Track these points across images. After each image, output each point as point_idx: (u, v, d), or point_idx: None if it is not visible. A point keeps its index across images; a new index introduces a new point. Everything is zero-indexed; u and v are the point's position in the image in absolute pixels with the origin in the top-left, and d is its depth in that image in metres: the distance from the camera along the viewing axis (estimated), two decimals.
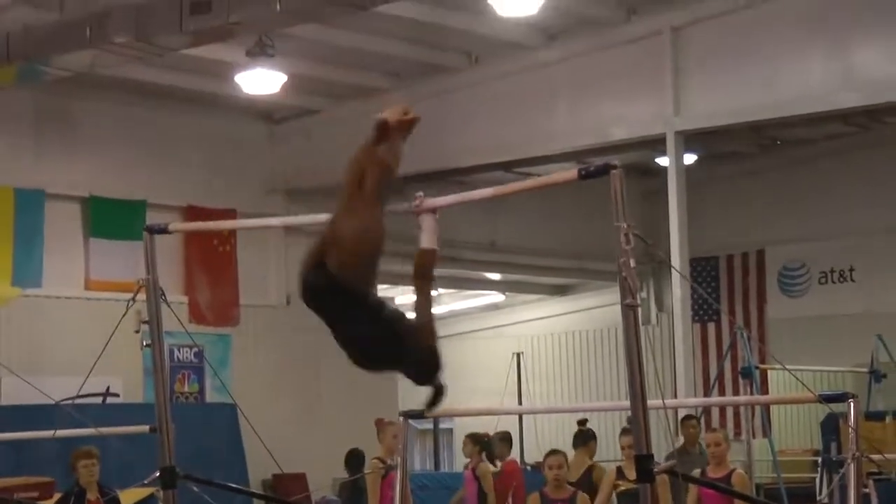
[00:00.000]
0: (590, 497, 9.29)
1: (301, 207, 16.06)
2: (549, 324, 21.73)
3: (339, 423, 15.67)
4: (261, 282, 16.43)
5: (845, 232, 17.45)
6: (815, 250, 18.01)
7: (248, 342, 16.23)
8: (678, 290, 13.30)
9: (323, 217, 5.30)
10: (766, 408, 13.65)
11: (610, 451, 13.04)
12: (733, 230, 18.42)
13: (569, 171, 5.13)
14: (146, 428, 7.63)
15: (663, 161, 14.20)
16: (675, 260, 12.73)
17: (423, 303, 5.11)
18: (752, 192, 18.43)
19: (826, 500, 12.16)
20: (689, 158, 14.85)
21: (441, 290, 19.60)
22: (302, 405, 16.31)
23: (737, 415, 17.64)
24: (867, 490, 6.56)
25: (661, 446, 8.75)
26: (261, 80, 14.14)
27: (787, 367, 9.53)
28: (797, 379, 7.38)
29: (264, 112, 16.51)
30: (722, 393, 16.30)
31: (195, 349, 15.15)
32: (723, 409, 17.74)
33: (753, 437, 12.92)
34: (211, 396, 15.74)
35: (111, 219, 14.90)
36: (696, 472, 8.97)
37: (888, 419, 13.88)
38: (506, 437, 12.68)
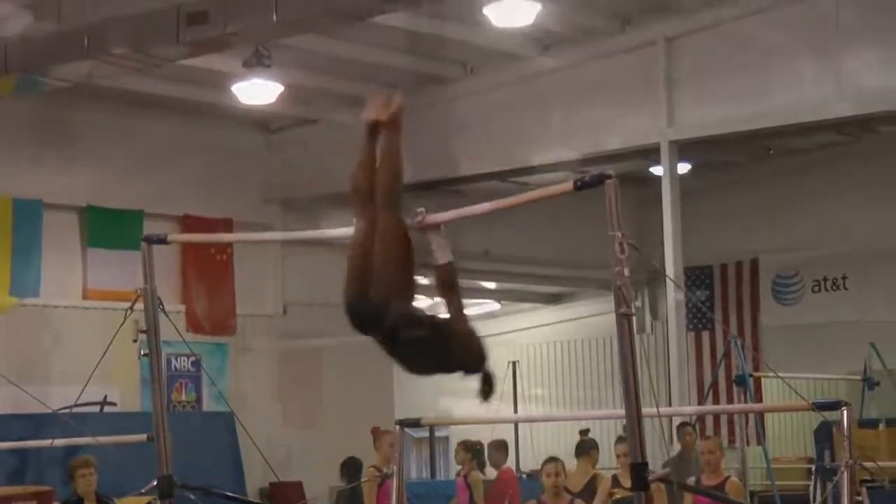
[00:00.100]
0: None
1: (298, 217, 16.15)
2: (545, 332, 21.77)
3: (336, 431, 15.71)
4: (258, 291, 16.48)
5: (838, 241, 17.51)
6: (808, 259, 18.07)
7: (246, 351, 16.28)
8: (672, 298, 13.37)
9: (318, 233, 5.37)
10: (760, 415, 13.71)
11: (607, 460, 13.09)
12: (727, 239, 18.48)
13: (565, 184, 5.18)
14: (144, 437, 7.68)
15: (657, 170, 14.27)
16: (670, 269, 12.80)
17: (457, 310, 5.29)
18: (746, 201, 18.50)
19: None
20: (683, 168, 14.93)
21: (437, 299, 19.61)
22: (298, 414, 16.35)
23: (731, 422, 17.68)
24: (860, 498, 6.58)
25: (658, 454, 8.80)
26: (257, 91, 14.21)
27: (781, 375, 9.56)
28: (790, 387, 7.42)
29: (261, 122, 16.56)
30: (716, 401, 16.37)
31: (192, 358, 15.20)
32: (717, 417, 17.79)
33: (747, 444, 12.97)
34: (208, 405, 15.78)
35: (109, 228, 14.94)
36: (691, 480, 9.02)
37: (881, 427, 13.95)
38: (502, 445, 12.73)
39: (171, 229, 14.35)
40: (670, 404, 12.71)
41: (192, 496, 6.63)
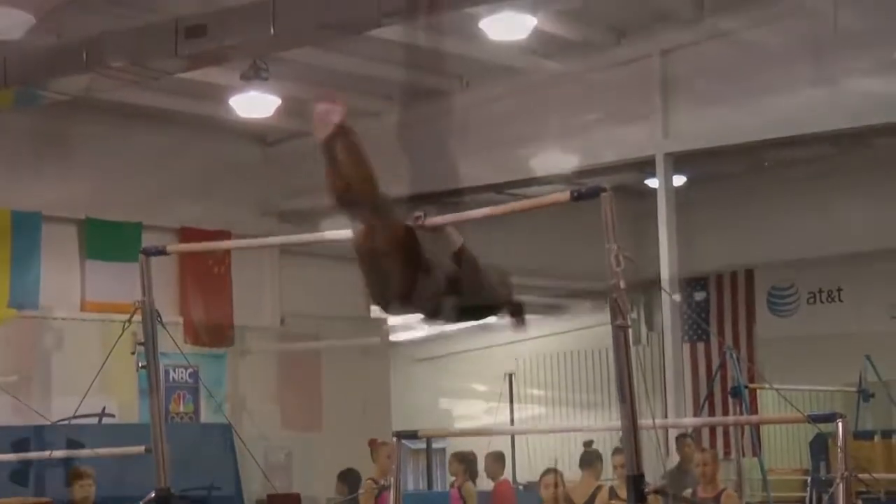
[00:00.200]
0: None
1: (295, 229, 16.17)
2: (541, 343, 21.79)
3: (334, 443, 15.74)
4: (256, 302, 16.52)
5: (833, 253, 17.55)
6: (803, 271, 18.13)
7: (243, 362, 16.31)
8: (668, 310, 13.41)
9: (315, 236, 5.42)
10: (755, 427, 13.74)
11: (608, 470, 13.11)
12: (722, 251, 18.51)
13: (561, 194, 5.25)
14: (142, 448, 7.71)
15: (653, 183, 14.32)
16: (665, 281, 12.84)
17: (474, 267, 5.38)
18: (741, 213, 18.53)
19: None
20: (679, 180, 14.98)
21: None
22: (297, 421, 16.38)
23: (726, 434, 17.71)
24: None
25: (657, 465, 8.83)
26: (255, 104, 14.25)
27: (776, 386, 9.62)
28: (786, 399, 7.47)
29: (258, 135, 16.62)
30: (712, 412, 16.39)
31: (190, 369, 15.22)
32: (713, 429, 17.82)
33: (743, 456, 13.00)
34: (206, 416, 15.80)
35: (107, 241, 14.99)
36: (688, 492, 9.06)
37: (877, 438, 13.97)
38: (499, 457, 12.75)
39: (170, 241, 14.38)
40: (666, 416, 12.74)
41: None
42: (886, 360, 15.32)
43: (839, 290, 17.94)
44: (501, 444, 14.43)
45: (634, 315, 19.52)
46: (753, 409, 15.18)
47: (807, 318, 18.15)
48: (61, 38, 11.93)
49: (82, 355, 12.63)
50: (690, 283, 18.55)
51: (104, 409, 14.41)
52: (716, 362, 17.09)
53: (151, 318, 6.45)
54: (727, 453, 16.57)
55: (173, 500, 6.50)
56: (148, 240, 14.05)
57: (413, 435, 7.91)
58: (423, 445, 20.04)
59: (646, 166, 14.14)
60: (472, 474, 12.02)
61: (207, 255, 15.86)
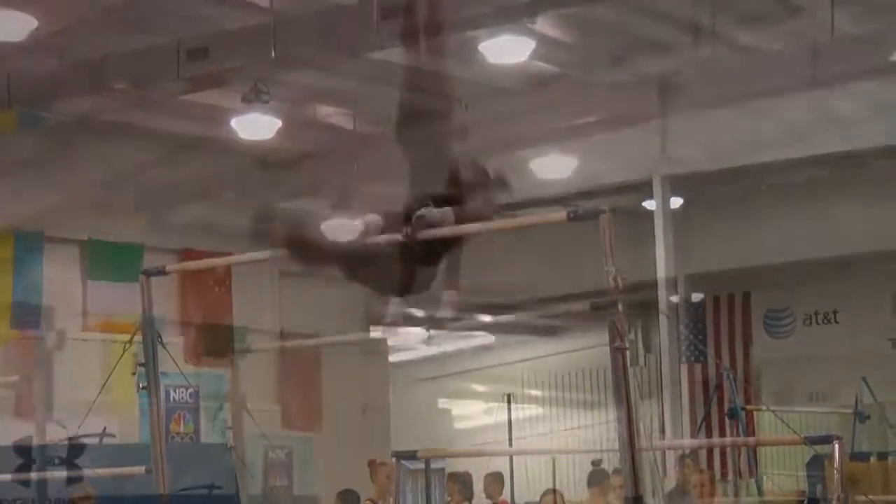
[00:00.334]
0: None
1: None
2: (539, 364, 21.82)
3: (333, 463, 15.77)
4: (256, 323, 16.56)
5: (829, 275, 17.61)
6: (799, 293, 18.19)
7: (243, 382, 16.33)
8: (665, 331, 13.46)
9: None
10: (752, 448, 13.77)
11: None
12: (719, 273, 18.56)
13: (558, 213, 5.29)
14: (142, 469, 7.75)
15: (650, 205, 14.39)
16: (662, 302, 12.91)
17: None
18: (738, 235, 18.58)
19: None
20: (676, 202, 15.05)
21: (432, 332, 19.74)
22: (295, 446, 16.41)
23: (724, 455, 17.74)
24: None
25: (658, 487, 8.88)
26: (256, 125, 14.31)
27: (773, 408, 9.68)
28: (782, 421, 7.52)
29: (259, 156, 16.67)
30: (709, 434, 16.42)
31: (191, 389, 15.25)
32: (710, 450, 17.84)
33: (740, 477, 13.04)
34: (206, 436, 15.82)
35: (109, 261, 15.05)
36: None
37: (872, 460, 14.02)
38: (498, 478, 12.79)
39: (171, 262, 14.41)
40: (663, 436, 12.79)
41: None
42: (882, 382, 15.38)
43: (835, 312, 17.99)
44: (500, 464, 14.47)
45: (632, 337, 19.56)
46: (750, 431, 15.22)
47: (803, 339, 18.20)
48: (64, 60, 12.02)
49: (84, 376, 12.67)
50: (687, 305, 18.59)
51: (105, 429, 14.44)
52: (713, 384, 17.13)
53: (153, 340, 6.52)
54: (724, 474, 16.60)
55: None
56: (149, 261, 14.09)
57: (412, 455, 7.95)
58: (422, 466, 20.05)
59: (643, 188, 14.21)
60: (468, 495, 12.05)
61: (208, 276, 15.91)
